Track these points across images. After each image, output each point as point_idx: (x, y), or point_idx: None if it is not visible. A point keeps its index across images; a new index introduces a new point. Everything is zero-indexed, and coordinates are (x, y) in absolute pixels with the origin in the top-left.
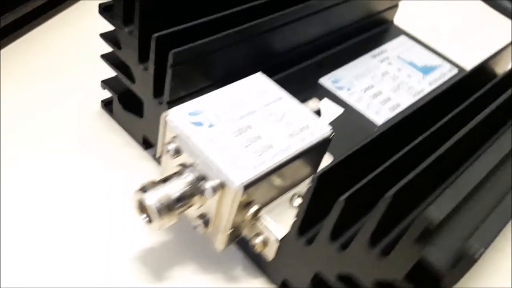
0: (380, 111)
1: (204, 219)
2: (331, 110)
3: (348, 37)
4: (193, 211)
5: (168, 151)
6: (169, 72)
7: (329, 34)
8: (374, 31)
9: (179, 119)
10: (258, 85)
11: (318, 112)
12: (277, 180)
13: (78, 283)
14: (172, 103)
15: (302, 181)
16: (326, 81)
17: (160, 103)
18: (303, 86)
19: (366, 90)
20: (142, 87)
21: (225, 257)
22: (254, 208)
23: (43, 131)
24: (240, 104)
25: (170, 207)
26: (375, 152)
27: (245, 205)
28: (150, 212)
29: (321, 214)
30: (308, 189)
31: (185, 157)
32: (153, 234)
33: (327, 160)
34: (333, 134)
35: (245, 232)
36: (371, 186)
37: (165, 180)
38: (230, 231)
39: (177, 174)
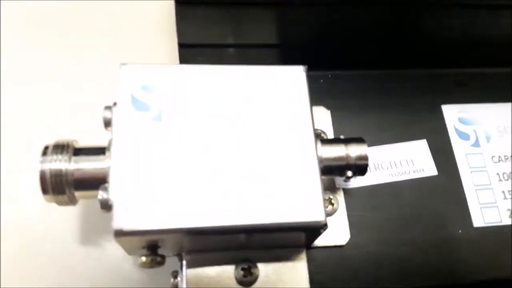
0: None
1: None
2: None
3: None
4: None
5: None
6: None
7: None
8: None
9: (127, 85)
10: (285, 85)
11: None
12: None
13: None
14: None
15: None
16: (450, 111)
17: None
18: (415, 101)
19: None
20: None
21: None
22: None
23: None
24: (231, 102)
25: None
26: None
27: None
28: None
29: None
30: None
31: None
32: None
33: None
34: (325, 225)
35: None
36: None
37: (88, 150)
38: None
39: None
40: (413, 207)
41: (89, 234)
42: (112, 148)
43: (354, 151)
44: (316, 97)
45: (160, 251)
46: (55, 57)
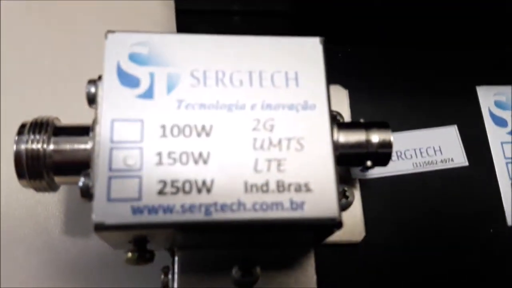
0: None
1: None
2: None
3: None
4: None
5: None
6: None
7: None
8: None
9: (112, 56)
10: (299, 59)
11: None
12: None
13: None
14: None
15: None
16: (486, 93)
17: None
18: (446, 82)
19: None
20: None
21: None
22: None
23: None
24: (235, 77)
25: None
26: None
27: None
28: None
29: None
30: None
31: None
32: None
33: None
34: (340, 223)
35: None
36: None
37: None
38: None
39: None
40: (439, 202)
41: (74, 222)
42: (96, 128)
43: (376, 137)
44: (333, 74)
45: (149, 246)
46: (42, 22)
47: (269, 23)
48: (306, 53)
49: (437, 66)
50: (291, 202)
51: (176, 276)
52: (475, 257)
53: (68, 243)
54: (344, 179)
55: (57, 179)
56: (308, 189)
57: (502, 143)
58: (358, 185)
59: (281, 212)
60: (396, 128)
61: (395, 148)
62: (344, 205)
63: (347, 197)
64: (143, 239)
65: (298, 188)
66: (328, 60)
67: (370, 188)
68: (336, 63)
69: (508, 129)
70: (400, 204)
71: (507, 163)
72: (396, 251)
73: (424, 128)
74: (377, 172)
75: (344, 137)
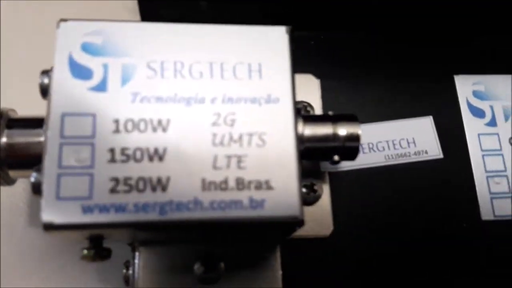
0: None
1: None
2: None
3: None
4: None
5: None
6: None
7: None
8: None
9: (64, 46)
10: (263, 49)
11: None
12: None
13: None
14: None
15: None
16: (464, 82)
17: None
18: (422, 70)
19: None
20: None
21: None
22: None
23: None
24: (195, 69)
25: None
26: None
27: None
28: None
29: None
30: None
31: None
32: None
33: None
34: (302, 221)
35: None
36: None
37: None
38: None
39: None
40: (411, 195)
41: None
42: (48, 121)
43: (343, 130)
44: (305, 63)
45: (107, 243)
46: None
47: (238, 9)
48: (271, 43)
49: (414, 55)
50: (251, 200)
51: (137, 272)
52: (448, 251)
53: (33, 235)
54: (313, 172)
55: (11, 173)
56: (269, 187)
57: (479, 135)
58: (328, 178)
59: (239, 211)
60: (370, 119)
61: (367, 140)
62: (312, 199)
63: (315, 191)
64: (98, 237)
65: (259, 186)
66: (300, 48)
67: (340, 181)
68: (308, 51)
69: (486, 120)
70: (371, 197)
71: (483, 156)
72: (366, 245)
73: (398, 119)
74: (348, 164)
75: (310, 131)
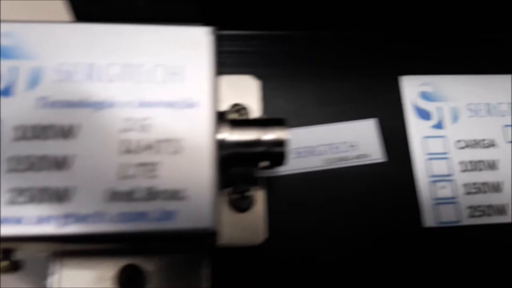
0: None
1: None
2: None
3: None
4: None
5: None
6: None
7: None
8: None
9: None
10: (185, 51)
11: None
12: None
13: None
14: None
15: None
16: (411, 83)
17: None
18: (368, 70)
19: None
20: None
21: None
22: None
23: None
24: (111, 73)
25: None
26: None
27: None
28: None
29: None
30: None
31: None
32: None
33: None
34: (215, 233)
35: None
36: None
37: None
38: None
39: None
40: (351, 201)
41: None
42: None
43: (270, 135)
44: (247, 63)
45: (17, 255)
46: None
47: (177, 7)
48: (192, 44)
49: (359, 55)
50: (161, 212)
51: (59, 283)
52: (388, 259)
53: None
54: (249, 177)
55: None
56: (181, 197)
57: (424, 138)
58: (263, 183)
59: (146, 223)
60: (312, 121)
61: (306, 144)
62: (244, 206)
63: (247, 197)
64: (7, 250)
65: (171, 196)
66: (241, 48)
67: (277, 186)
68: (249, 51)
69: (433, 122)
70: (309, 203)
71: (429, 159)
72: (303, 253)
73: (341, 121)
74: (285, 169)
75: (236, 136)
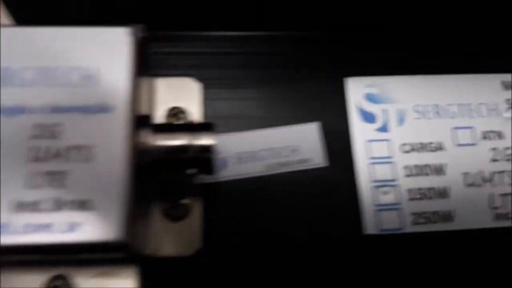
0: None
1: None
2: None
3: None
4: None
5: None
6: None
7: None
8: None
9: None
10: (105, 53)
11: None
12: None
13: None
14: None
15: None
16: (356, 84)
17: None
18: (312, 72)
19: None
20: None
21: None
22: None
23: None
24: (29, 78)
25: None
26: None
27: None
28: None
29: None
30: None
31: None
32: None
33: None
34: (127, 245)
35: None
36: None
37: None
38: None
39: None
40: (292, 207)
41: None
42: None
43: (196, 141)
44: (189, 65)
45: None
46: None
47: (111, 8)
48: (111, 46)
49: (301, 54)
50: (68, 223)
51: None
52: (327, 267)
53: None
54: (184, 184)
55: None
56: (90, 207)
57: (368, 141)
58: (200, 190)
59: (51, 235)
60: (254, 125)
61: (247, 149)
62: (177, 215)
63: (179, 206)
64: None
65: (79, 206)
66: (181, 49)
67: (216, 193)
68: (191, 53)
69: (378, 125)
70: (249, 210)
71: (371, 164)
72: (241, 262)
73: (283, 125)
74: (225, 175)
75: (159, 142)
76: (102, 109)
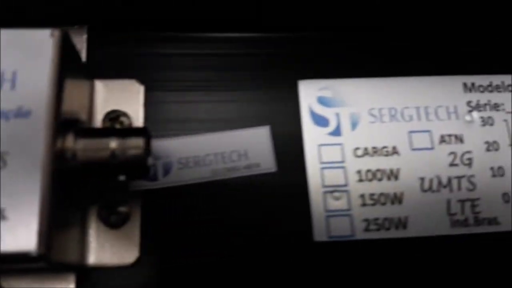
0: None
1: None
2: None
3: None
4: None
5: None
6: None
7: None
8: None
9: None
10: (32, 56)
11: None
12: None
13: None
14: None
15: None
16: (309, 87)
17: None
18: (263, 74)
19: None
20: None
21: None
22: None
23: None
24: None
25: None
26: None
27: None
28: None
29: None
30: None
31: None
32: None
33: None
34: (41, 256)
35: None
36: None
37: None
38: None
39: None
40: (238, 214)
41: None
42: None
43: (124, 146)
44: (131, 66)
45: None
46: None
47: (56, 9)
48: (33, 48)
49: (253, 56)
50: None
51: None
52: (275, 275)
53: None
54: (122, 190)
55: None
56: (3, 217)
57: (319, 145)
58: (140, 197)
59: None
60: (201, 129)
61: (192, 153)
62: (115, 223)
63: (119, 213)
64: None
65: None
66: (123, 50)
67: (157, 200)
68: (133, 54)
69: (330, 129)
70: (193, 217)
71: (323, 168)
72: (183, 271)
73: (235, 129)
74: (169, 181)
75: (85, 147)
76: (18, 114)
